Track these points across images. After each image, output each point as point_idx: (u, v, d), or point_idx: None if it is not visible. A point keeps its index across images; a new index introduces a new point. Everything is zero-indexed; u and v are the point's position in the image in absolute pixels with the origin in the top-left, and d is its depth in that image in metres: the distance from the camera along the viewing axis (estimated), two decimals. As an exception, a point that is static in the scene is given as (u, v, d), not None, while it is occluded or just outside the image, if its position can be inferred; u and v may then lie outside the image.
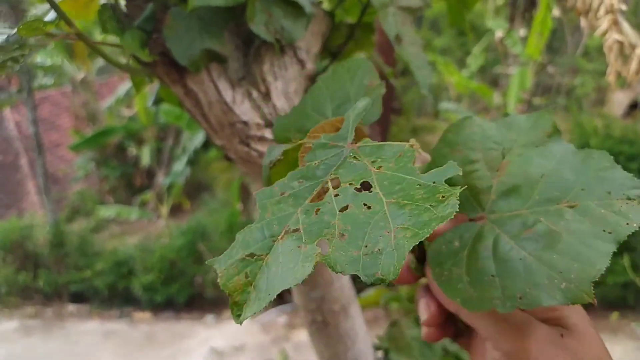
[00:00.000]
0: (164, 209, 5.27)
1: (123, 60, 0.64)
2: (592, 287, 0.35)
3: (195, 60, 0.59)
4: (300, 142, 0.42)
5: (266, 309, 4.11)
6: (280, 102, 0.64)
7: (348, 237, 0.31)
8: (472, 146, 0.47)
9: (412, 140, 0.47)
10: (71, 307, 4.62)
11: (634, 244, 3.10)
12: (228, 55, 0.62)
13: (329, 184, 0.36)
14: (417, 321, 0.96)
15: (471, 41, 5.79)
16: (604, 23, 1.11)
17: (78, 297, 4.65)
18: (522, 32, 4.82)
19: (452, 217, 0.29)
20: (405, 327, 0.93)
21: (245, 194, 4.37)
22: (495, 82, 6.37)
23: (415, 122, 5.92)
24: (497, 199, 0.44)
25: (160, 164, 5.72)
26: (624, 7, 1.09)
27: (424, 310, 0.50)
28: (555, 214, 0.40)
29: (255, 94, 0.63)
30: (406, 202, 0.31)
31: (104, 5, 0.57)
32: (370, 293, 2.26)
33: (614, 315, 3.30)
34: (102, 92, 6.66)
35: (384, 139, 3.44)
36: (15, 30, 0.46)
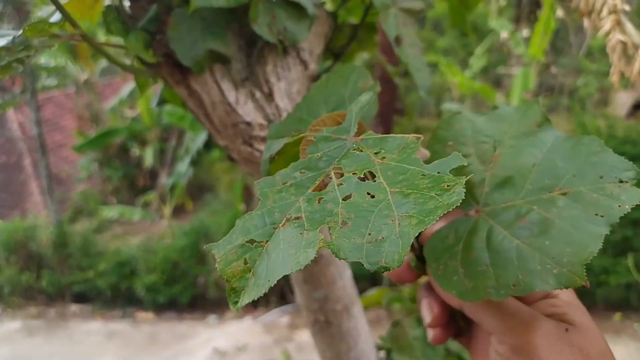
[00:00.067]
0: (167, 210, 5.28)
1: (127, 61, 0.65)
2: (584, 270, 0.35)
3: (199, 61, 0.59)
4: (301, 135, 0.42)
5: (268, 309, 4.11)
6: (283, 103, 0.64)
7: (351, 225, 0.31)
8: (464, 141, 0.47)
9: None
10: (74, 308, 4.63)
11: (638, 244, 3.10)
12: (231, 56, 0.62)
13: (332, 174, 0.36)
14: (419, 321, 0.96)
15: (474, 42, 5.78)
16: (607, 23, 1.11)
17: (81, 298, 4.67)
18: (525, 32, 4.81)
19: (459, 204, 0.29)
20: (408, 327, 0.94)
21: (248, 194, 4.37)
22: (498, 83, 6.37)
23: (418, 123, 5.91)
24: (491, 191, 0.44)
25: (163, 164, 5.73)
26: (627, 7, 1.09)
27: (427, 311, 0.50)
28: (548, 202, 0.40)
29: (258, 94, 0.64)
30: (410, 191, 0.31)
31: (108, 7, 0.58)
32: (372, 293, 2.27)
33: (617, 316, 3.30)
34: (106, 93, 6.68)
35: (387, 140, 3.44)
36: (20, 31, 0.46)
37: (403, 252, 0.28)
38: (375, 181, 0.33)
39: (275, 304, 4.05)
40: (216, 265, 0.33)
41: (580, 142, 0.41)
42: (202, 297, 4.32)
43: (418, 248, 0.48)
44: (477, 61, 5.39)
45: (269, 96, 0.64)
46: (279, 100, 0.64)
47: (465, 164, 0.33)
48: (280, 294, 4.06)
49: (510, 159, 0.44)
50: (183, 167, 4.27)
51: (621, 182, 0.37)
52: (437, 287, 0.48)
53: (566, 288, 0.36)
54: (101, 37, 4.35)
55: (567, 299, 0.45)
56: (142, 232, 5.54)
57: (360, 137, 0.39)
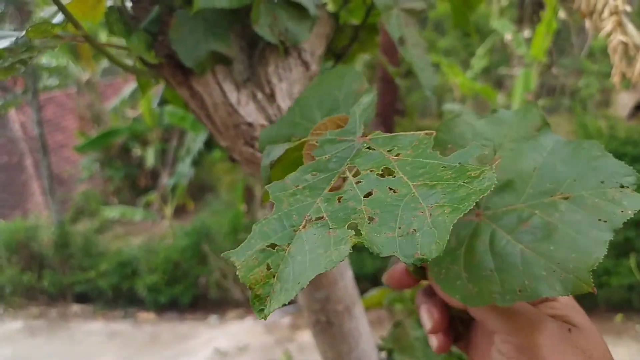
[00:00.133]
0: (168, 210, 5.29)
1: (129, 62, 0.65)
2: (591, 276, 0.35)
3: (201, 62, 0.59)
4: (302, 140, 0.41)
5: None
6: (285, 104, 0.65)
7: (379, 220, 0.30)
8: (463, 144, 0.47)
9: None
10: (75, 308, 4.64)
11: None
12: (233, 57, 0.62)
13: (347, 173, 0.35)
14: (420, 322, 0.96)
15: (476, 42, 5.78)
16: (609, 24, 1.11)
17: (82, 298, 4.67)
18: (526, 33, 4.81)
19: (492, 189, 0.28)
20: (409, 327, 0.94)
21: (249, 195, 4.38)
22: (499, 83, 6.36)
23: (420, 123, 5.91)
24: (492, 195, 0.43)
25: (165, 165, 5.74)
26: (628, 8, 1.09)
27: (427, 317, 0.50)
28: (550, 206, 0.40)
29: (260, 95, 0.64)
30: (435, 182, 0.30)
31: (111, 8, 0.58)
32: (373, 293, 2.26)
33: (618, 317, 3.29)
34: (107, 94, 6.69)
35: (388, 140, 3.44)
36: (23, 32, 0.46)
37: (442, 242, 0.27)
38: (394, 176, 0.33)
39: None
40: (237, 272, 0.32)
41: (581, 147, 0.41)
42: (203, 298, 4.32)
43: None
44: (479, 62, 5.39)
45: (271, 97, 0.64)
46: (280, 101, 0.64)
47: (486, 152, 0.32)
48: (281, 294, 4.05)
49: (510, 163, 0.44)
50: (184, 167, 4.27)
51: (622, 187, 0.37)
52: (439, 290, 0.47)
53: (573, 294, 0.36)
54: (102, 36, 4.35)
55: (566, 302, 0.45)
56: (143, 232, 5.54)
57: (368, 137, 0.38)
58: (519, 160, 0.44)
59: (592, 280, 0.35)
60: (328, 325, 0.80)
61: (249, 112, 0.63)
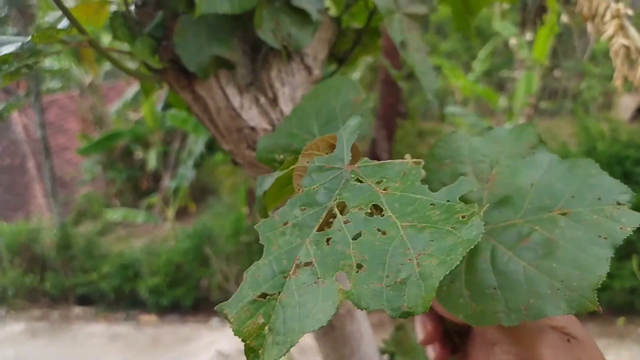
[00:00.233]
0: (170, 212, 5.29)
1: (132, 65, 0.65)
2: (596, 294, 0.35)
3: (204, 67, 0.60)
4: (291, 167, 0.41)
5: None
6: (288, 108, 0.65)
7: (367, 267, 0.29)
8: (461, 159, 0.47)
9: (407, 156, 0.47)
10: (77, 310, 4.64)
11: (642, 248, 3.09)
12: (236, 61, 0.63)
13: (336, 210, 0.34)
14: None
15: (477, 45, 5.78)
16: (610, 28, 1.11)
17: (84, 300, 4.68)
18: (528, 36, 4.81)
19: (479, 240, 0.28)
20: (411, 330, 0.94)
21: (251, 197, 4.38)
22: (501, 86, 6.36)
23: (422, 126, 5.91)
24: (490, 210, 0.43)
25: (167, 167, 5.75)
26: (630, 12, 1.09)
27: (421, 328, 0.50)
28: (549, 222, 0.40)
29: (262, 99, 0.64)
30: (424, 224, 0.30)
31: (115, 13, 0.58)
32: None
33: (621, 321, 3.28)
34: (110, 96, 6.71)
35: (390, 143, 3.44)
36: (29, 38, 0.47)
37: (428, 297, 0.27)
38: (383, 215, 0.32)
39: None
40: (230, 327, 0.31)
41: (576, 164, 0.41)
42: (205, 300, 4.32)
43: None
44: (480, 64, 5.39)
45: (274, 101, 0.64)
46: (283, 106, 0.65)
47: (474, 190, 0.32)
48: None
49: (507, 178, 0.44)
50: (186, 169, 4.28)
51: (618, 204, 0.38)
52: (436, 305, 0.47)
53: (578, 313, 0.35)
54: (105, 39, 4.37)
55: None
56: (145, 234, 5.55)
57: (357, 165, 0.38)
58: (515, 176, 0.44)
59: (597, 298, 0.35)
60: (330, 328, 0.80)
61: (252, 116, 0.63)
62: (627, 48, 1.09)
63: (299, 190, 0.38)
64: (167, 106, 0.78)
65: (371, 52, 0.84)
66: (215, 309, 0.33)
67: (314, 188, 0.37)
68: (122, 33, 0.57)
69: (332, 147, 0.41)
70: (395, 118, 3.66)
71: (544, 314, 0.36)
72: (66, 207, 6.00)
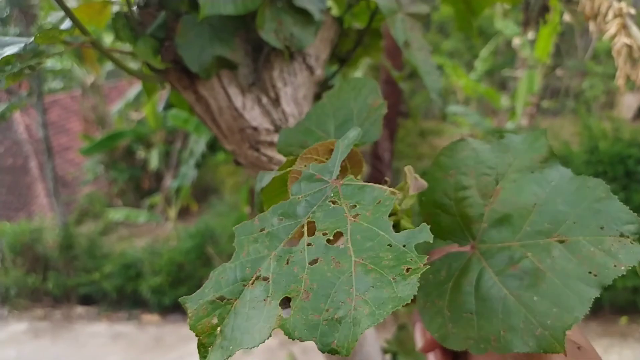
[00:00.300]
0: (172, 212, 5.30)
1: (134, 65, 0.65)
2: (565, 336, 0.35)
3: (206, 67, 0.60)
4: (288, 169, 0.42)
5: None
6: (290, 108, 0.65)
7: (312, 296, 0.31)
8: (465, 171, 0.45)
9: (407, 168, 0.47)
10: (80, 310, 4.65)
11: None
12: (238, 61, 0.63)
13: (305, 229, 0.35)
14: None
15: (480, 44, 5.78)
16: (613, 27, 1.11)
17: (87, 300, 4.68)
18: (530, 35, 4.81)
19: (410, 300, 0.28)
20: (413, 331, 0.94)
21: (253, 197, 4.37)
22: (503, 85, 6.36)
23: (423, 125, 5.91)
24: (489, 228, 0.42)
25: (169, 167, 5.75)
26: (632, 11, 1.08)
27: (420, 336, 0.50)
28: (544, 249, 0.38)
29: (265, 99, 0.64)
30: (373, 266, 0.31)
31: (117, 14, 0.58)
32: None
33: (623, 320, 3.28)
34: (112, 96, 6.71)
35: (392, 143, 3.44)
36: (31, 38, 0.47)
37: (352, 342, 0.28)
38: (342, 246, 0.33)
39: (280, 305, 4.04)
40: (188, 321, 0.33)
41: (585, 185, 0.40)
42: (207, 300, 4.32)
43: None
44: (482, 64, 5.39)
45: (276, 101, 0.64)
46: (285, 106, 0.65)
47: (431, 241, 0.32)
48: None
49: (511, 195, 0.43)
50: (187, 169, 4.28)
51: (622, 236, 0.36)
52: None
53: (544, 352, 0.35)
54: (107, 39, 4.37)
55: None
56: (147, 234, 5.55)
57: (341, 182, 0.38)
58: (520, 193, 0.42)
59: (564, 342, 0.34)
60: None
61: (254, 116, 0.63)
62: (630, 47, 1.09)
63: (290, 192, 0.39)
64: (168, 106, 0.78)
65: (373, 52, 0.84)
66: (179, 300, 0.35)
67: (298, 198, 0.38)
68: (124, 34, 0.57)
69: (331, 152, 0.41)
70: (396, 117, 3.66)
71: (511, 349, 0.36)
72: (68, 207, 6.01)
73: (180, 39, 0.58)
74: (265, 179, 0.46)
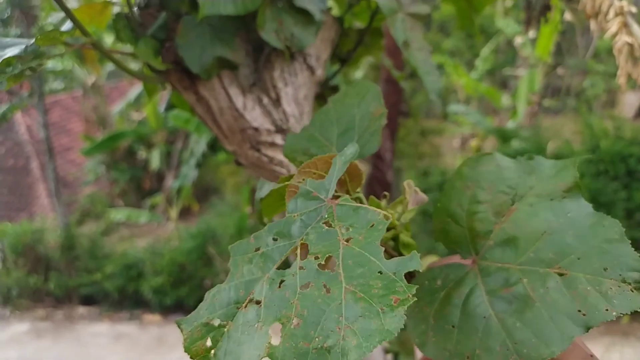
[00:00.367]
0: (173, 212, 5.30)
1: (135, 67, 0.65)
2: None
3: (207, 68, 0.60)
4: (286, 183, 0.42)
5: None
6: (291, 108, 0.65)
7: (302, 324, 0.31)
8: (484, 185, 0.45)
9: (409, 182, 0.47)
10: (81, 310, 4.66)
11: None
12: (239, 62, 0.63)
13: (298, 251, 0.35)
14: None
15: (480, 43, 5.77)
16: (614, 25, 1.11)
17: (88, 300, 4.69)
18: (531, 33, 4.80)
19: (397, 332, 0.29)
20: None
21: (255, 197, 4.38)
22: (504, 84, 6.35)
23: (424, 124, 5.91)
24: (494, 246, 0.42)
25: (170, 167, 5.76)
26: (634, 9, 1.08)
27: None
28: (541, 277, 0.38)
29: (265, 100, 0.64)
30: (362, 294, 0.31)
31: (118, 15, 0.58)
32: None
33: (625, 319, 3.28)
34: (112, 96, 6.72)
35: (393, 142, 3.44)
36: (32, 40, 0.47)
37: None
38: (334, 272, 0.33)
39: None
40: (183, 343, 0.33)
41: (601, 223, 0.38)
42: (208, 300, 4.33)
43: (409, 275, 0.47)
44: (483, 63, 5.38)
45: (277, 101, 0.64)
46: (286, 106, 0.65)
47: (420, 270, 0.31)
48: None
49: (524, 218, 0.42)
50: (188, 169, 4.29)
51: (624, 281, 0.35)
52: None
53: None
54: (108, 39, 4.37)
55: None
56: (148, 234, 5.56)
57: (336, 202, 0.38)
58: (533, 218, 0.42)
59: None
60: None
61: (255, 116, 0.63)
62: (631, 45, 1.09)
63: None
64: (169, 107, 0.78)
65: (374, 52, 0.84)
66: (175, 322, 0.35)
67: (294, 216, 0.38)
68: (125, 34, 0.57)
69: (330, 167, 0.41)
70: (397, 117, 3.65)
71: None
72: (70, 207, 6.02)
73: (180, 40, 0.58)
74: (264, 189, 0.46)
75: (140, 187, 6.24)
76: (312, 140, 0.52)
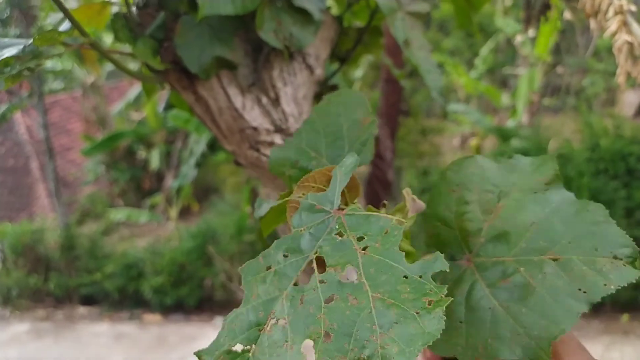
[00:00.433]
0: (173, 212, 5.30)
1: (134, 67, 0.65)
2: (551, 347, 0.35)
3: (206, 68, 0.60)
4: (285, 199, 0.41)
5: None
6: (290, 108, 0.65)
7: (334, 337, 0.30)
8: (469, 187, 0.46)
9: (407, 190, 0.47)
10: (82, 310, 4.65)
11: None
12: (238, 62, 0.63)
13: (314, 264, 0.35)
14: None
15: (480, 42, 5.77)
16: (613, 24, 1.11)
17: (88, 300, 4.69)
18: (531, 32, 4.80)
19: (439, 334, 0.28)
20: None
21: (255, 197, 4.38)
22: (504, 83, 6.35)
23: (424, 124, 5.91)
24: (486, 242, 0.43)
25: (170, 167, 5.76)
26: (633, 8, 1.08)
27: (420, 354, 0.50)
28: (537, 265, 0.39)
29: (264, 99, 0.64)
30: (392, 301, 0.31)
31: (116, 15, 0.58)
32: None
33: (625, 318, 3.28)
34: (112, 96, 6.72)
35: (393, 141, 3.44)
36: (30, 40, 0.47)
37: None
38: (357, 281, 0.33)
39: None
40: None
41: (585, 208, 0.41)
42: (209, 299, 4.33)
43: None
44: (483, 62, 5.38)
45: (276, 101, 0.64)
46: (285, 106, 0.64)
47: (447, 270, 0.32)
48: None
49: (511, 213, 0.44)
50: (187, 169, 4.29)
51: (615, 258, 0.37)
52: None
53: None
54: (107, 39, 4.37)
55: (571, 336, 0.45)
56: (149, 234, 5.56)
57: (344, 213, 0.38)
58: (520, 211, 0.43)
59: (550, 352, 0.35)
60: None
61: (254, 116, 0.63)
62: (631, 44, 1.09)
63: (290, 224, 0.39)
64: (168, 107, 0.78)
65: (373, 50, 0.84)
66: (194, 354, 0.34)
67: (300, 230, 0.37)
68: (123, 34, 0.57)
69: (329, 180, 0.41)
70: (397, 116, 3.65)
71: (497, 356, 0.36)
72: (70, 207, 6.02)
73: (179, 40, 0.58)
74: (262, 208, 0.46)
75: (140, 187, 6.24)
76: (300, 152, 0.52)
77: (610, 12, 1.06)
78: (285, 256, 0.36)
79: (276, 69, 0.64)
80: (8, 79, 0.48)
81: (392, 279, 0.32)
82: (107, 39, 4.42)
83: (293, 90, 0.65)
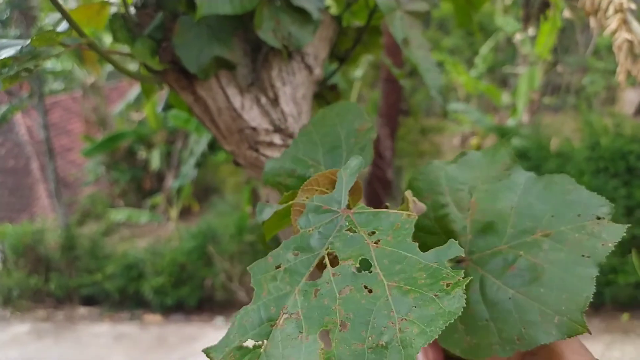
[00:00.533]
0: (174, 212, 5.31)
1: (133, 67, 0.65)
2: (584, 316, 0.35)
3: (205, 68, 0.60)
4: (290, 202, 0.41)
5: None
6: (289, 108, 0.65)
7: (350, 326, 0.30)
8: (440, 190, 0.47)
9: (409, 192, 0.47)
10: (82, 310, 4.66)
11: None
12: (237, 62, 0.63)
13: (326, 260, 0.35)
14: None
15: (480, 41, 5.77)
16: (613, 22, 1.11)
17: (89, 300, 4.69)
18: (530, 31, 4.80)
19: (460, 312, 0.28)
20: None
21: (255, 197, 4.38)
22: (504, 82, 6.35)
23: (424, 123, 5.91)
24: (474, 238, 0.43)
25: (170, 167, 5.76)
26: (633, 6, 1.08)
27: (422, 355, 0.49)
28: (533, 245, 0.40)
29: (263, 99, 0.64)
30: (409, 287, 0.31)
31: (115, 15, 0.58)
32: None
33: (625, 317, 3.27)
34: (112, 97, 6.72)
35: (393, 141, 3.44)
36: (28, 41, 0.46)
37: None
38: (371, 271, 0.33)
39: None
40: None
41: (552, 181, 0.42)
42: (209, 299, 4.33)
43: None
44: (483, 61, 5.38)
45: (275, 101, 0.64)
46: (284, 105, 0.64)
47: (462, 255, 0.32)
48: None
49: (487, 204, 0.44)
50: (188, 169, 4.29)
51: (599, 218, 0.38)
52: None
53: (569, 337, 0.35)
54: (107, 40, 4.37)
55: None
56: (149, 234, 5.56)
57: (352, 211, 0.38)
58: (495, 200, 0.44)
59: (585, 321, 0.35)
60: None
61: (253, 116, 0.63)
62: (631, 42, 1.08)
63: (296, 227, 0.38)
64: (167, 107, 0.78)
65: (372, 50, 0.83)
66: (202, 351, 0.34)
67: (309, 230, 0.37)
68: (121, 35, 0.57)
69: (333, 183, 0.41)
70: (397, 115, 3.65)
71: (537, 342, 0.36)
72: (70, 208, 6.02)
73: (178, 40, 0.58)
74: (265, 212, 0.46)
75: (141, 187, 6.24)
76: (297, 161, 0.51)
77: (610, 10, 1.06)
78: (295, 254, 0.36)
79: (275, 69, 0.64)
80: (6, 80, 0.48)
81: (407, 268, 0.32)
82: (107, 39, 4.43)
83: (292, 90, 0.65)
